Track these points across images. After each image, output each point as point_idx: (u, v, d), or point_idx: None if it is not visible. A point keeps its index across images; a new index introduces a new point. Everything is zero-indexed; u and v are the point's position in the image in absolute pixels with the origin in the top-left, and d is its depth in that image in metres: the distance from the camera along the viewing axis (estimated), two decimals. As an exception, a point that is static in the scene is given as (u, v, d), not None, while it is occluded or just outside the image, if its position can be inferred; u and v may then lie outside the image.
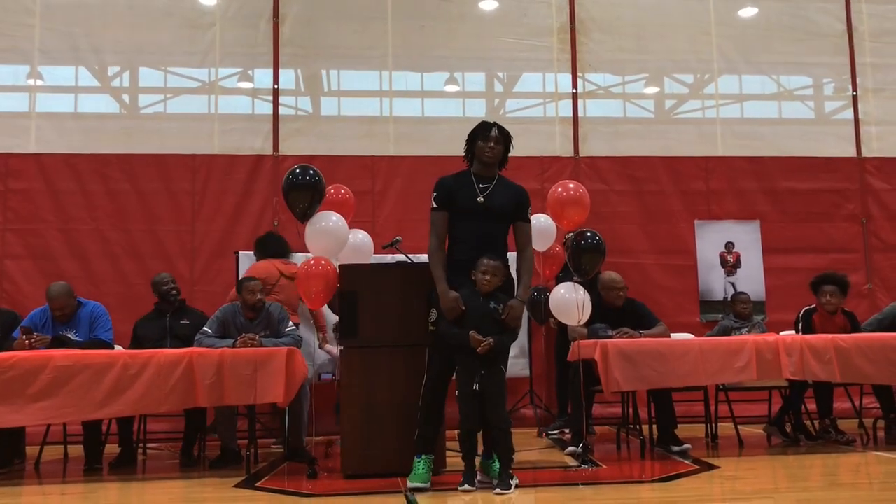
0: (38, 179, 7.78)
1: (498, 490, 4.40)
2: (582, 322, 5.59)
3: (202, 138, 8.11)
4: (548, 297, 7.19)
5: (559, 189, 5.91)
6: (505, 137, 4.86)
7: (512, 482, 4.47)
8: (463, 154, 4.91)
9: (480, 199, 4.74)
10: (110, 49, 8.20)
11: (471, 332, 4.47)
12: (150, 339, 6.08)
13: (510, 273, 4.77)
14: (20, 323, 5.81)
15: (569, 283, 5.56)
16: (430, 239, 4.79)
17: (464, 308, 4.55)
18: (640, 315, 6.23)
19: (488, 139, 4.80)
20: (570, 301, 5.52)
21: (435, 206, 4.80)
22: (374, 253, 6.17)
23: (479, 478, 4.62)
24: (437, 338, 4.67)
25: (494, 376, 4.55)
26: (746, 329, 6.61)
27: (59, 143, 7.93)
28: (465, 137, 4.90)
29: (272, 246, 6.84)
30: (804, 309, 6.56)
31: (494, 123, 4.85)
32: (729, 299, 8.06)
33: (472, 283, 4.63)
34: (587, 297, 5.53)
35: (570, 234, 5.72)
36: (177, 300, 6.30)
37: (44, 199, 7.77)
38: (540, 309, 7.27)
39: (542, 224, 7.26)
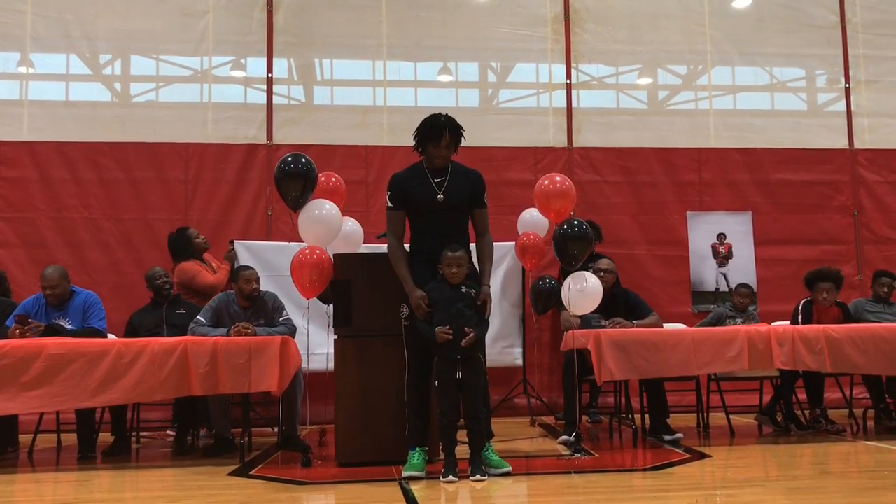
0: (30, 167, 7.73)
1: (477, 476, 4.44)
2: (577, 312, 5.60)
3: (195, 127, 8.06)
4: (551, 286, 7.23)
5: (546, 181, 5.96)
6: (456, 137, 4.74)
7: (485, 468, 4.52)
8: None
9: (440, 196, 4.72)
10: (102, 37, 8.14)
11: (437, 329, 4.49)
12: (146, 327, 6.13)
13: (473, 262, 4.79)
14: (14, 311, 5.80)
15: (578, 273, 5.55)
16: (389, 238, 4.80)
17: (430, 310, 4.55)
18: (633, 305, 6.27)
19: (439, 146, 4.70)
20: (582, 291, 5.53)
21: (390, 205, 4.79)
22: (364, 242, 6.17)
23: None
24: (411, 331, 4.69)
25: (473, 363, 4.57)
26: (741, 319, 6.65)
27: (52, 130, 7.88)
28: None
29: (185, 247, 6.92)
30: (803, 300, 6.58)
31: (445, 124, 4.69)
32: (720, 289, 8.15)
33: (440, 277, 4.64)
34: (591, 284, 5.54)
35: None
36: (170, 293, 6.33)
37: (36, 187, 7.73)
38: (543, 300, 7.29)
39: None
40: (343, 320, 5.05)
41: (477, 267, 4.83)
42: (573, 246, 5.50)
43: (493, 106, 8.77)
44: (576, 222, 5.58)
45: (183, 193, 7.89)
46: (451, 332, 4.48)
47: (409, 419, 4.74)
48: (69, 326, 5.76)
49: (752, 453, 5.46)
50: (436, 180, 4.76)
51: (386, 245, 4.83)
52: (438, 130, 4.70)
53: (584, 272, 5.61)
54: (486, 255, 4.82)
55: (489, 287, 4.74)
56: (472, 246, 4.87)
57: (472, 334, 4.49)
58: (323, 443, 5.90)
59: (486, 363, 4.79)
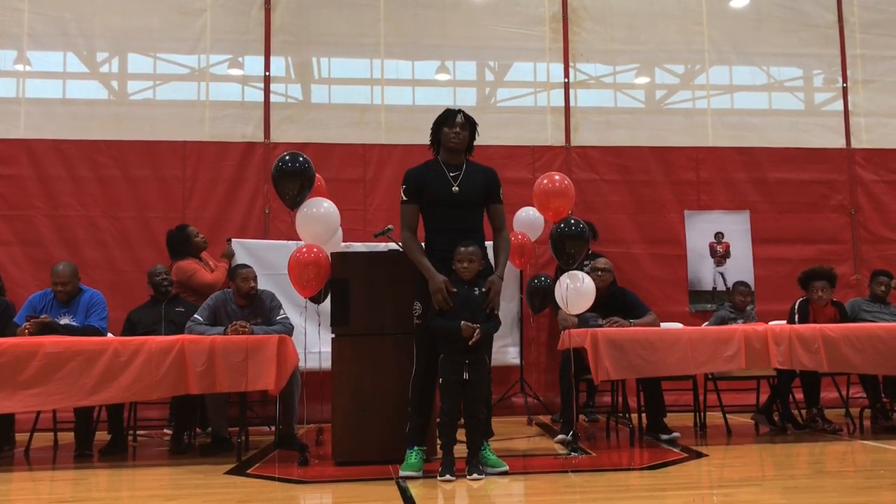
0: (27, 165, 7.72)
1: (474, 475, 4.44)
2: (571, 311, 5.61)
3: (192, 125, 8.05)
4: (547, 285, 7.25)
5: (545, 181, 5.97)
6: (471, 124, 4.86)
7: (482, 467, 4.53)
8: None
9: (455, 188, 4.75)
10: (99, 34, 8.12)
11: (462, 322, 4.47)
12: (145, 324, 6.15)
13: (489, 259, 4.78)
14: (13, 310, 5.82)
15: (573, 272, 5.56)
16: (403, 232, 4.80)
17: (453, 291, 4.53)
18: (630, 304, 6.27)
19: (454, 126, 4.79)
20: (575, 290, 5.54)
21: (405, 198, 4.80)
22: (343, 241, 6.15)
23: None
24: (422, 330, 4.69)
25: (479, 365, 4.57)
26: (742, 319, 6.64)
27: (49, 128, 7.87)
28: None
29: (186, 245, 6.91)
30: (800, 300, 6.59)
31: (459, 110, 4.86)
32: (718, 289, 8.15)
33: (453, 273, 4.64)
34: (585, 284, 5.54)
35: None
36: (169, 291, 6.36)
37: (33, 185, 7.71)
38: (539, 298, 7.30)
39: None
40: (340, 319, 5.05)
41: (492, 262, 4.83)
42: (570, 245, 5.51)
43: (490, 105, 8.77)
44: (572, 221, 5.59)
45: (180, 191, 7.88)
46: (476, 326, 4.47)
47: (410, 417, 4.75)
48: (73, 323, 5.78)
49: (748, 452, 5.47)
50: (451, 174, 4.79)
51: (383, 244, 4.82)
52: (453, 114, 4.82)
53: (578, 271, 5.62)
54: (501, 248, 4.85)
55: (501, 279, 4.73)
56: (489, 245, 4.86)
57: (477, 330, 4.48)
58: (320, 442, 5.90)
59: (490, 364, 4.79)
